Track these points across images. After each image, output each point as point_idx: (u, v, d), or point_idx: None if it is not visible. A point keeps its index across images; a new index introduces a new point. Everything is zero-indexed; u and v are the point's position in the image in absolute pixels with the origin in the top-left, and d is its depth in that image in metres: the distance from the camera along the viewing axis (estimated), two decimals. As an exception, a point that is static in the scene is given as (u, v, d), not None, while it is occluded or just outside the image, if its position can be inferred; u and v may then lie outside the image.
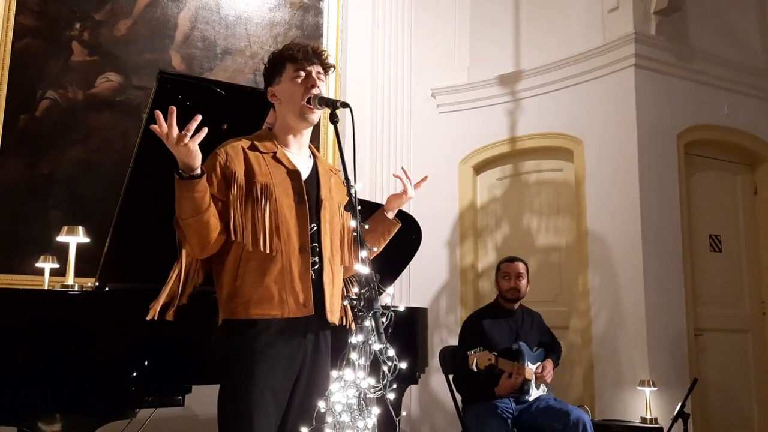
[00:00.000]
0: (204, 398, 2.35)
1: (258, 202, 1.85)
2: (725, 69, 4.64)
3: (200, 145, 1.71)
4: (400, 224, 2.24)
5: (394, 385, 1.58)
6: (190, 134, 1.65)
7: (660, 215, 4.24)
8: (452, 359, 3.57)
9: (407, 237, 3.21)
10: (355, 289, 1.66)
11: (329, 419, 1.65)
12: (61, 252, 3.08)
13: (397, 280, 4.27)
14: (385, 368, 1.58)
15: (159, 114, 1.65)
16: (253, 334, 1.83)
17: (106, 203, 3.45)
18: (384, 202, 2.22)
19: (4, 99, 3.74)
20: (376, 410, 1.65)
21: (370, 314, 1.60)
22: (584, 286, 4.40)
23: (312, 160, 2.05)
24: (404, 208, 2.32)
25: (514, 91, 4.83)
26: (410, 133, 4.95)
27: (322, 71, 2.00)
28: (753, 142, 4.79)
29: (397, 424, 1.67)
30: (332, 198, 2.01)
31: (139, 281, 2.53)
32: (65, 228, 2.82)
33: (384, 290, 1.68)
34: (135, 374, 2.29)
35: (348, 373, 1.60)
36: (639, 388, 3.92)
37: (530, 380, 3.39)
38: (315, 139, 1.91)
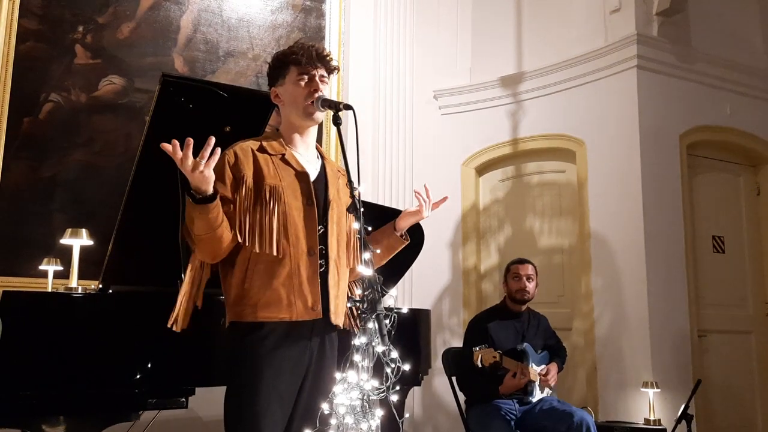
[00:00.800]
0: (207, 400, 2.35)
1: (266, 205, 1.85)
2: (727, 70, 4.64)
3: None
4: (408, 242, 2.20)
5: (397, 387, 1.58)
6: (204, 161, 1.65)
7: (663, 216, 4.24)
8: (456, 359, 3.57)
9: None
10: (359, 291, 1.66)
11: (333, 421, 1.65)
12: (64, 254, 3.09)
13: (400, 282, 4.28)
14: (388, 370, 1.58)
15: (176, 143, 1.64)
16: (260, 336, 1.83)
17: (110, 206, 3.48)
18: (386, 204, 2.22)
19: (8, 102, 3.75)
20: (379, 412, 1.64)
21: (373, 316, 1.60)
22: (587, 288, 4.40)
23: (320, 161, 2.05)
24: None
25: (516, 92, 4.83)
26: (412, 135, 4.95)
27: (325, 74, 1.99)
28: (755, 143, 4.78)
29: (401, 426, 1.66)
30: (340, 199, 2.00)
31: (142, 284, 2.54)
32: (69, 230, 2.83)
33: (387, 292, 1.68)
34: (138, 376, 2.30)
35: (351, 374, 1.60)
36: (642, 389, 3.91)
37: (534, 382, 3.38)
38: (318, 141, 1.91)
